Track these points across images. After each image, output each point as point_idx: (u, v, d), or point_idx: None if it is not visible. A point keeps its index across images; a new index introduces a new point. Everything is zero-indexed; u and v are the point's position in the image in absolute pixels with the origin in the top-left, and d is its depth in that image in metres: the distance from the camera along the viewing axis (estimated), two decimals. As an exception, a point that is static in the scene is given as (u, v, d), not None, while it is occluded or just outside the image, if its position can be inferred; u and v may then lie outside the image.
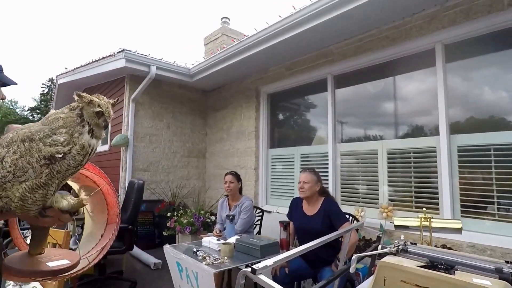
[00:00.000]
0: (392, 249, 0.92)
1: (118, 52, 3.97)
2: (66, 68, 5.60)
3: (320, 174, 3.42)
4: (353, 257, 0.89)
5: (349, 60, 3.22)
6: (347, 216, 2.35)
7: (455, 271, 0.80)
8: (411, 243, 0.98)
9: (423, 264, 0.84)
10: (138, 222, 4.16)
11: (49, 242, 1.91)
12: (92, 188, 1.12)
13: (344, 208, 3.05)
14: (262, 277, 0.78)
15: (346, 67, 3.29)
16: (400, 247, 0.93)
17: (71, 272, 0.87)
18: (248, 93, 4.41)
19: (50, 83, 21.92)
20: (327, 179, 3.35)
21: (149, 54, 4.13)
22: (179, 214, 4.02)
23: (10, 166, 0.67)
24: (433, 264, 0.85)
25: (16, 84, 1.08)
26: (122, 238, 3.04)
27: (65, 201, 0.76)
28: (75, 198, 0.78)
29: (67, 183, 1.11)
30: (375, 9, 2.56)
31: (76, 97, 0.76)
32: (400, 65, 2.92)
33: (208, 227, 3.81)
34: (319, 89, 3.63)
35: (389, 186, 2.88)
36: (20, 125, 0.81)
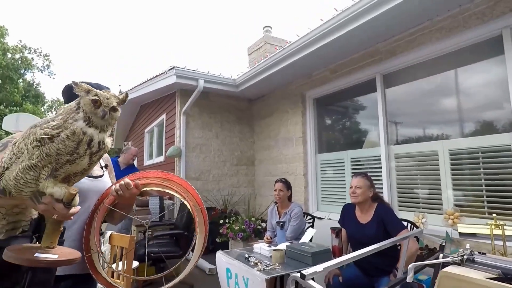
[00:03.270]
0: (455, 258, 0.83)
1: (169, 70, 4.29)
2: (119, 86, 6.19)
3: (373, 178, 3.25)
4: (410, 266, 0.83)
5: (399, 57, 3.04)
6: (405, 224, 2.18)
7: (536, 286, 0.70)
8: (480, 252, 0.88)
9: (494, 277, 0.75)
10: (192, 228, 4.37)
11: (116, 246, 2.09)
12: (198, 204, 1.06)
13: (402, 215, 2.85)
14: (311, 282, 0.77)
15: (396, 64, 3.11)
16: (465, 256, 0.84)
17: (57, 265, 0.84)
18: (293, 99, 4.40)
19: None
20: (381, 184, 3.16)
21: (196, 69, 4.38)
22: (231, 221, 4.13)
23: (15, 148, 0.72)
24: (506, 277, 0.75)
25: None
26: (179, 243, 3.22)
27: (57, 188, 0.75)
28: (71, 188, 0.77)
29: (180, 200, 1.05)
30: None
31: (73, 85, 0.76)
32: (459, 57, 2.67)
33: (259, 234, 3.85)
34: (367, 90, 3.48)
35: (454, 190, 2.62)
36: None
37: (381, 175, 3.18)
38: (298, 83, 4.29)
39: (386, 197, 3.09)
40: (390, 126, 3.24)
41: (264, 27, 5.86)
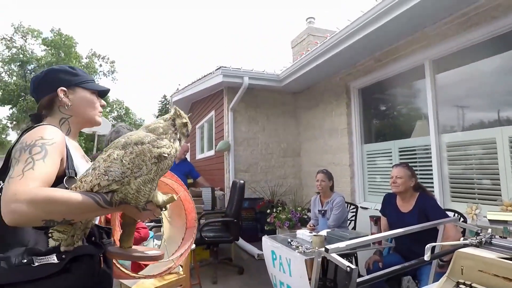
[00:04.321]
0: (473, 241, 0.89)
1: (216, 70, 4.59)
2: (179, 84, 6.74)
3: (424, 168, 3.16)
4: (427, 245, 0.91)
5: (449, 40, 2.87)
6: (452, 214, 2.14)
7: (545, 265, 0.74)
8: (501, 237, 0.92)
9: (507, 257, 0.80)
10: (242, 217, 4.67)
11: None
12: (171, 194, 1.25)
13: (455, 206, 2.74)
14: (333, 255, 0.91)
15: (447, 48, 2.94)
16: (483, 239, 0.89)
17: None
18: (337, 90, 4.38)
19: (164, 99, 26.19)
20: (431, 174, 3.06)
21: (241, 67, 4.62)
22: (278, 211, 4.33)
23: (128, 164, 0.80)
24: (520, 257, 0.79)
25: (108, 89, 1.14)
26: (229, 229, 3.51)
27: (160, 196, 0.89)
28: (166, 196, 0.92)
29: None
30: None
31: (173, 109, 0.95)
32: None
33: (305, 223, 3.97)
34: (415, 77, 3.35)
35: (515, 180, 2.45)
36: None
37: (431, 165, 3.08)
38: (341, 74, 4.26)
39: (437, 188, 2.99)
40: (440, 113, 3.09)
41: (307, 18, 5.83)
